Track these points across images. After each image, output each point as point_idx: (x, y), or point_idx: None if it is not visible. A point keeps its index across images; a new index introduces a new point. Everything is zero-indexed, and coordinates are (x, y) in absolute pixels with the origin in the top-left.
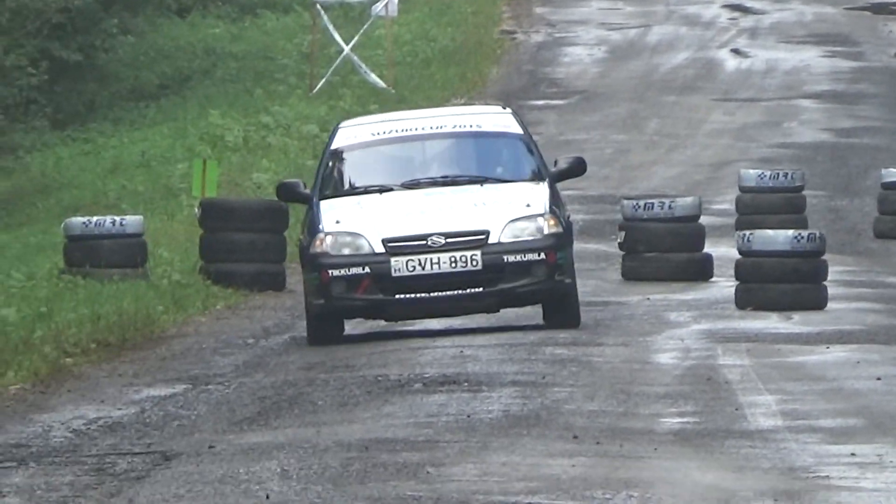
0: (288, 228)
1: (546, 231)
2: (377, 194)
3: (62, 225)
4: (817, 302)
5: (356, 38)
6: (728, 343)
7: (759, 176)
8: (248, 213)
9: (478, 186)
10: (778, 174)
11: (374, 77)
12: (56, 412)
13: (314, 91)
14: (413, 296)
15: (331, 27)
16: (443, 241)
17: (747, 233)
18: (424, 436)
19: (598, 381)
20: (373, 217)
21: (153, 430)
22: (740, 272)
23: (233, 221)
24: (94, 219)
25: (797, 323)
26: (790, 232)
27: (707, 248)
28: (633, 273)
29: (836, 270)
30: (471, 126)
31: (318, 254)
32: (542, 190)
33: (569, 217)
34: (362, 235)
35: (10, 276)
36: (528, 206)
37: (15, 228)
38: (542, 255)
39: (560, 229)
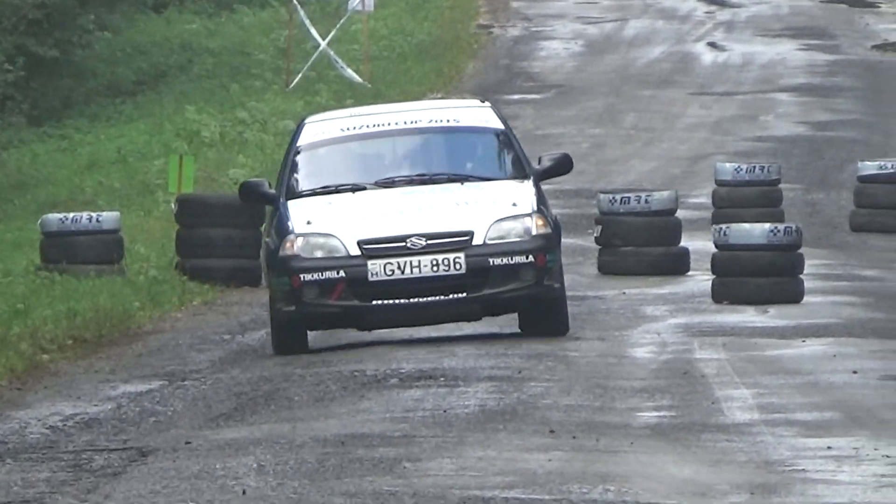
0: (265, 224)
1: (534, 232)
2: (349, 193)
3: (38, 221)
4: (794, 295)
5: (332, 34)
6: (704, 337)
7: (736, 169)
8: (224, 209)
9: (458, 185)
10: (754, 168)
11: (350, 72)
12: (32, 409)
13: (290, 86)
14: (391, 302)
15: (307, 22)
16: (423, 243)
17: (724, 226)
18: (401, 431)
19: (575, 375)
20: (347, 217)
21: (129, 426)
22: (717, 266)
23: (209, 217)
24: (71, 215)
25: (773, 316)
26: (766, 225)
27: (683, 242)
28: (610, 267)
29: (813, 264)
30: (448, 121)
31: (289, 257)
32: (527, 188)
33: (556, 217)
34: (336, 237)
35: None
36: (514, 205)
37: None
38: (531, 258)
39: (549, 230)
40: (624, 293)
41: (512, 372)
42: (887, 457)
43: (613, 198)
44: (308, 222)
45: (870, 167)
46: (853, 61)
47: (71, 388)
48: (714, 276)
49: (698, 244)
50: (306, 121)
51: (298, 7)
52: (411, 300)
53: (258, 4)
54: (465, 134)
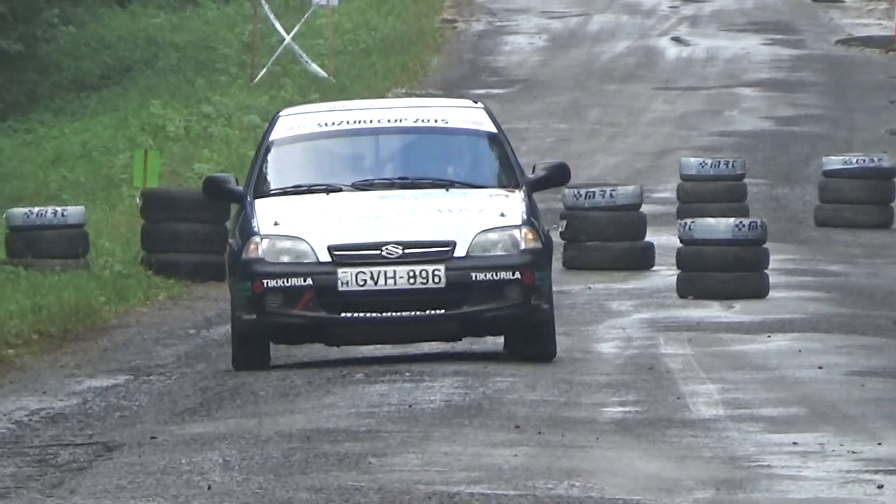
0: (230, 219)
1: (523, 246)
2: (323, 195)
3: (3, 215)
4: (759, 290)
5: (297, 28)
6: (670, 332)
7: (701, 164)
8: (189, 203)
9: (442, 191)
10: (719, 162)
11: (314, 67)
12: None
13: (255, 81)
14: (361, 315)
15: (272, 17)
16: (399, 252)
17: (689, 221)
18: (366, 426)
19: (540, 370)
20: (318, 220)
21: (95, 421)
22: (682, 261)
23: (174, 211)
24: (36, 209)
25: (739, 312)
26: (731, 220)
27: (648, 237)
28: (575, 262)
29: (778, 259)
30: (436, 121)
31: (252, 260)
32: (517, 198)
33: (548, 231)
34: (305, 241)
35: None
36: (502, 215)
37: None
38: (517, 275)
39: (539, 245)
40: (589, 288)
41: (478, 367)
42: (852, 452)
43: (578, 192)
44: (275, 223)
45: (834, 162)
46: (817, 56)
47: (36, 382)
48: (679, 271)
49: (663, 239)
50: (281, 114)
51: (263, 1)
52: (384, 314)
53: None
54: (454, 136)
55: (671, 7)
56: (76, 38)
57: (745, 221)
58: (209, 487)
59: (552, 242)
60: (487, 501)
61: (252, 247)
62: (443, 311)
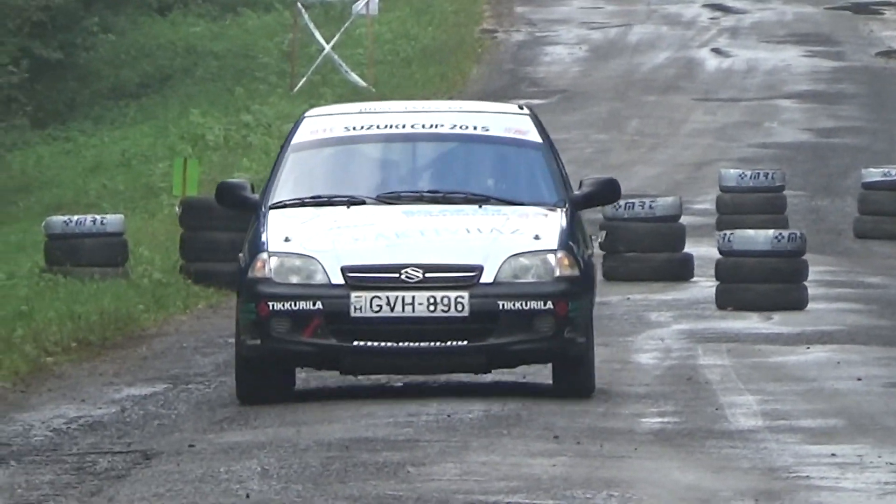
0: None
1: (557, 273)
2: (343, 208)
3: (43, 223)
4: (798, 302)
5: (337, 37)
6: (708, 343)
7: (740, 176)
8: (228, 212)
9: (475, 207)
10: (758, 174)
11: (354, 76)
12: (36, 411)
13: (295, 90)
14: (376, 344)
15: (311, 26)
16: (420, 276)
17: (728, 233)
18: (405, 435)
19: None
20: (332, 237)
21: (133, 429)
22: (721, 272)
23: (213, 220)
24: (75, 217)
25: (777, 323)
26: (771, 232)
27: (688, 248)
28: (614, 273)
29: (817, 270)
30: (476, 128)
31: (258, 280)
32: (557, 218)
33: (590, 256)
34: (316, 260)
35: None
36: (536, 237)
37: None
38: (549, 305)
39: (576, 272)
40: (628, 299)
41: (516, 377)
42: (891, 464)
43: (618, 203)
44: (286, 239)
45: (874, 174)
46: (857, 68)
47: (75, 390)
48: (718, 283)
49: (702, 250)
50: (306, 115)
51: (303, 11)
52: (400, 344)
53: (263, 8)
54: (494, 145)
55: (711, 18)
56: (116, 47)
57: (785, 233)
58: (247, 496)
59: (593, 269)
60: None
61: (259, 264)
62: (465, 342)
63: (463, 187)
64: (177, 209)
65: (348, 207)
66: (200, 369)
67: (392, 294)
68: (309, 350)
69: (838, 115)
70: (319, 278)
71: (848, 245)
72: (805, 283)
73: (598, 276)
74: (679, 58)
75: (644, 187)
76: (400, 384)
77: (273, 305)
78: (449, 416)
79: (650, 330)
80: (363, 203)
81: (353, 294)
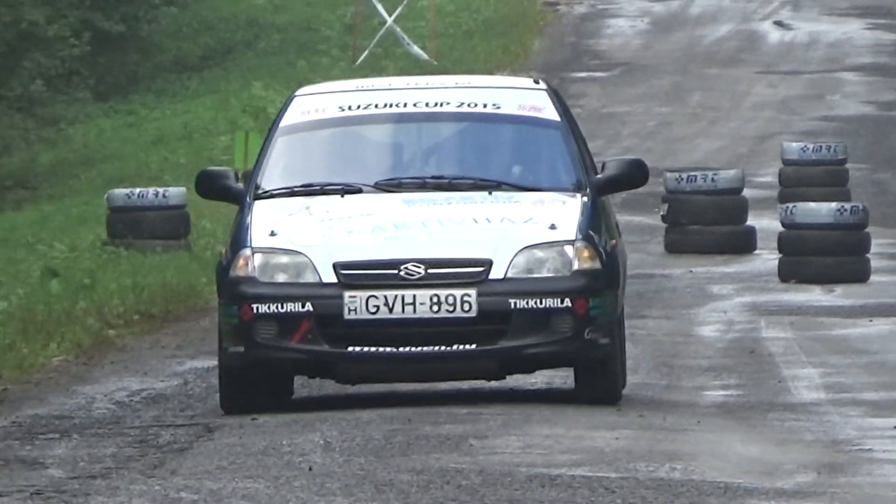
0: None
1: (576, 266)
2: (337, 197)
3: (105, 196)
4: (860, 275)
5: (399, 10)
6: (771, 316)
7: (802, 149)
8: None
9: (484, 194)
10: (821, 147)
11: (416, 49)
12: (99, 384)
13: (357, 63)
14: (373, 350)
15: (379, 7)
16: (421, 272)
17: (790, 205)
18: (467, 408)
19: (641, 353)
20: (324, 230)
21: (196, 402)
22: (783, 245)
23: None
24: (137, 190)
25: (840, 296)
26: (833, 205)
27: (750, 221)
28: (676, 246)
29: (879, 243)
30: (485, 105)
31: (241, 279)
32: (576, 205)
33: (614, 246)
34: (305, 256)
35: (53, 248)
36: (552, 227)
37: (58, 200)
38: (567, 302)
39: (597, 265)
40: (691, 272)
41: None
42: None
43: (680, 176)
44: (272, 233)
45: None
46: None
47: (137, 363)
48: (780, 255)
49: (764, 223)
50: (296, 94)
51: None
52: (400, 349)
53: None
54: (506, 125)
55: None
56: (178, 19)
57: (847, 206)
58: (310, 468)
59: (617, 260)
60: (588, 484)
61: (241, 262)
62: (474, 346)
63: (471, 172)
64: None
65: (342, 196)
66: None
67: (390, 293)
68: (298, 357)
69: None
70: (309, 277)
71: None
72: (868, 255)
73: (660, 248)
74: (741, 30)
75: (706, 160)
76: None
77: (257, 308)
78: (511, 389)
79: (713, 302)
80: (359, 191)
81: (347, 294)
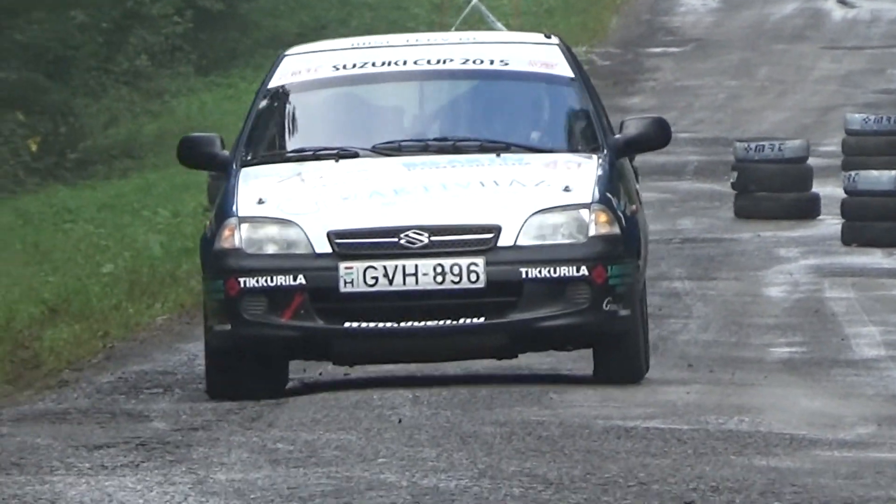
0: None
1: (592, 231)
2: (331, 162)
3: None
4: None
5: None
6: (834, 277)
7: (864, 120)
8: None
9: (491, 157)
10: (882, 118)
11: (500, 26)
12: (200, 342)
13: None
14: (372, 326)
15: None
16: (424, 240)
17: (853, 173)
18: (548, 364)
19: (712, 313)
20: (317, 197)
21: None
22: (846, 210)
23: None
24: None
25: None
26: (894, 173)
27: (815, 188)
28: (745, 211)
29: None
30: (492, 62)
31: (226, 251)
32: (592, 166)
33: (635, 210)
34: (297, 224)
35: (157, 214)
36: (566, 189)
37: (162, 168)
38: (583, 271)
39: (616, 230)
40: (758, 236)
41: (653, 309)
42: None
43: (749, 146)
44: (260, 201)
45: None
46: None
47: None
48: (843, 221)
49: (828, 190)
50: (286, 53)
51: None
52: (402, 325)
53: None
54: (515, 82)
55: None
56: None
57: None
58: (399, 421)
59: (638, 225)
60: (662, 435)
61: (227, 233)
62: (482, 319)
63: (477, 133)
64: None
65: (337, 161)
66: None
67: (390, 263)
68: (290, 335)
69: None
70: (301, 247)
71: None
72: None
73: (730, 214)
74: (806, 8)
75: (773, 131)
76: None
77: (245, 282)
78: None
79: (779, 265)
80: (356, 156)
81: (343, 265)
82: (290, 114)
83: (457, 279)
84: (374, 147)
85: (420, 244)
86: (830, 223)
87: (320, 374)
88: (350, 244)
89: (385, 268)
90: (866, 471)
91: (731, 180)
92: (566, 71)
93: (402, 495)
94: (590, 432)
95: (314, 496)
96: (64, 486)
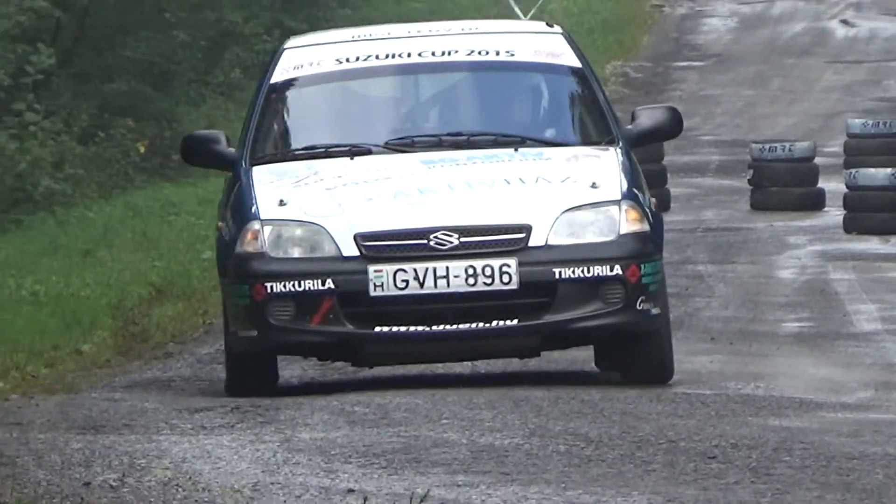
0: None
1: (623, 229)
2: (346, 160)
3: None
4: None
5: (532, 12)
6: (837, 261)
7: (864, 124)
8: None
9: (509, 151)
10: (879, 123)
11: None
12: None
13: None
14: (402, 329)
15: (511, 2)
16: (455, 241)
17: (853, 171)
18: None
19: (731, 292)
20: (340, 197)
21: None
22: (847, 203)
23: None
24: None
25: (894, 245)
26: (889, 170)
27: (820, 184)
28: (760, 204)
29: None
30: (497, 53)
31: (250, 255)
32: (613, 160)
33: (656, 204)
34: (322, 227)
35: None
36: (593, 185)
37: None
38: (617, 270)
39: (645, 227)
40: (771, 225)
41: (679, 289)
42: None
43: (763, 147)
44: (281, 202)
45: None
46: None
47: None
48: (845, 212)
49: (832, 185)
50: (286, 46)
51: None
52: (433, 328)
53: None
54: (523, 73)
55: None
56: (351, 19)
57: None
58: (460, 387)
59: (662, 221)
60: (688, 399)
61: (250, 236)
62: (516, 321)
63: (490, 127)
64: None
65: (352, 159)
66: None
67: (420, 266)
68: (319, 341)
69: None
70: (328, 250)
71: None
72: None
73: (746, 207)
74: (813, 28)
75: (785, 133)
76: None
77: (272, 287)
78: None
79: (789, 251)
80: (368, 152)
81: (372, 268)
82: (296, 109)
83: (489, 281)
84: (386, 143)
85: (450, 245)
86: (834, 214)
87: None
88: (378, 246)
89: (415, 270)
90: (866, 429)
91: (748, 177)
92: (573, 60)
93: (463, 452)
94: (625, 396)
95: (386, 452)
96: (168, 443)
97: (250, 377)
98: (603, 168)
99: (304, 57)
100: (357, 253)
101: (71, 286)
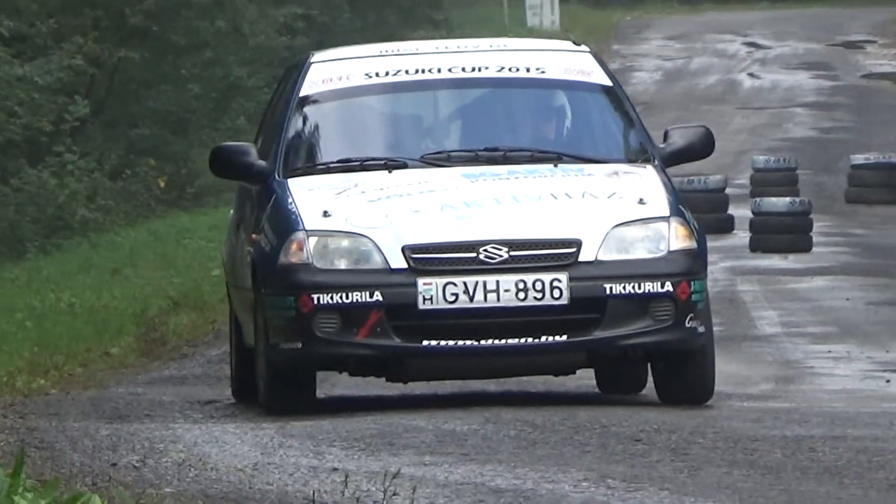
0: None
1: (673, 246)
2: (384, 173)
3: None
4: (806, 247)
5: None
6: (744, 275)
7: (767, 160)
8: None
9: (549, 167)
10: (780, 159)
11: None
12: None
13: None
14: (450, 344)
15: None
16: (504, 255)
17: (758, 199)
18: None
19: None
20: (385, 209)
21: None
22: (753, 226)
23: None
24: None
25: (792, 261)
26: (787, 199)
27: (730, 210)
28: None
29: (819, 225)
30: (528, 69)
31: (295, 266)
32: (654, 177)
33: (699, 226)
34: (369, 239)
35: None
36: (641, 202)
37: None
38: (668, 287)
39: (693, 244)
40: None
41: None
42: (869, 358)
43: (683, 180)
44: (325, 213)
45: (858, 158)
46: (847, 86)
47: None
48: (751, 234)
49: (740, 212)
50: (312, 59)
51: None
52: (481, 343)
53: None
54: (555, 90)
55: (748, 52)
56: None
57: (797, 199)
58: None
59: (706, 239)
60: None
61: (294, 247)
62: (565, 337)
63: (525, 143)
64: None
65: (390, 172)
66: None
67: (470, 279)
68: (365, 353)
69: (835, 118)
70: (375, 262)
71: (841, 208)
72: (811, 234)
73: None
74: (725, 79)
75: (700, 168)
76: None
77: (318, 299)
78: None
79: None
80: (405, 166)
81: (421, 281)
82: (328, 123)
83: (539, 295)
84: (422, 157)
85: (499, 259)
86: (741, 236)
87: None
88: (427, 259)
89: (465, 283)
90: (767, 416)
91: None
92: (604, 79)
93: (429, 436)
94: (565, 389)
95: (364, 437)
96: (182, 430)
97: (290, 391)
98: (647, 184)
99: (332, 71)
100: (405, 265)
101: (102, 299)
